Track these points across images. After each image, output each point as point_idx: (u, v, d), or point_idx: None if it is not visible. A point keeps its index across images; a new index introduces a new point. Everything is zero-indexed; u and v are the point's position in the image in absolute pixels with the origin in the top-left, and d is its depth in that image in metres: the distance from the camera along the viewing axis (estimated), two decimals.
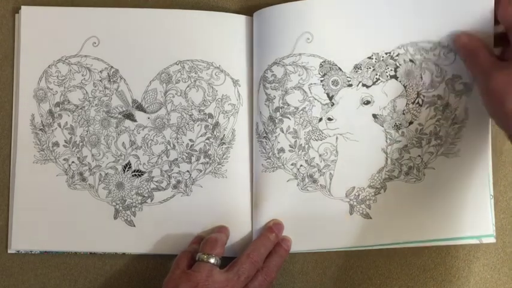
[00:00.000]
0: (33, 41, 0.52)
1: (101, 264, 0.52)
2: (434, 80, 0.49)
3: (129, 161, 0.51)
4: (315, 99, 0.50)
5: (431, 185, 0.50)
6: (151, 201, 0.51)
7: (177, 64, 0.52)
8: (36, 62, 0.52)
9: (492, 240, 0.49)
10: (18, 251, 0.52)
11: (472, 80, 0.48)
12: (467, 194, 0.50)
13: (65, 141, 0.52)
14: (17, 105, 0.52)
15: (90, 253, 0.52)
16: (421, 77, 0.49)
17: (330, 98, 0.50)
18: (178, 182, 0.51)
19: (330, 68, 0.50)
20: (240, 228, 0.51)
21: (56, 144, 0.51)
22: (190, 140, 0.52)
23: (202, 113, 0.52)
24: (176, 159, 0.51)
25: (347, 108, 0.50)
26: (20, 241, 0.51)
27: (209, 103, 0.52)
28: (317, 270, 0.53)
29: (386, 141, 0.50)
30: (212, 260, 0.45)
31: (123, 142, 0.52)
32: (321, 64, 0.50)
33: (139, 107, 0.52)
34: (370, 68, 0.50)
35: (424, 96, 0.49)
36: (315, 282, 0.52)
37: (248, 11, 0.52)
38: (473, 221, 0.49)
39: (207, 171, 0.51)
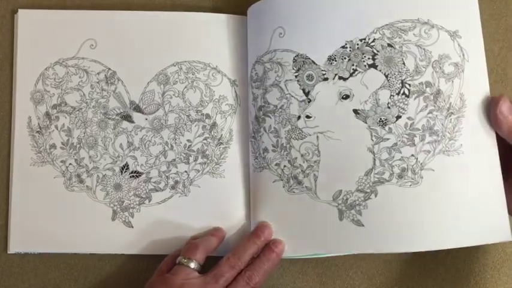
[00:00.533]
0: (30, 44, 0.53)
1: (101, 264, 0.53)
2: (419, 65, 0.44)
3: (126, 162, 0.52)
4: (292, 96, 0.47)
5: (432, 189, 0.43)
6: (149, 202, 0.51)
7: (174, 65, 0.52)
8: (33, 64, 0.52)
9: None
10: (17, 252, 0.52)
11: (462, 59, 0.44)
12: (478, 197, 0.43)
13: (62, 143, 0.52)
14: (14, 107, 0.53)
15: (90, 253, 0.52)
16: (404, 63, 0.44)
17: (306, 94, 0.46)
18: (176, 182, 0.51)
19: (303, 62, 0.46)
20: (237, 228, 0.51)
21: (53, 146, 0.52)
22: (188, 140, 0.52)
23: (199, 113, 0.52)
24: (174, 159, 0.52)
25: (325, 104, 0.46)
26: (19, 243, 0.51)
27: (206, 104, 0.52)
28: (317, 270, 0.52)
29: (372, 140, 0.44)
30: (192, 265, 0.45)
31: (121, 143, 0.52)
32: (294, 59, 0.47)
33: (137, 108, 0.52)
34: (345, 58, 0.45)
35: (409, 85, 0.44)
36: (315, 282, 0.52)
37: (244, 12, 0.52)
38: (490, 227, 0.43)
39: (205, 171, 0.51)
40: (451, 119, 0.43)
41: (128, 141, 0.52)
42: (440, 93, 0.44)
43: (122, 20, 0.53)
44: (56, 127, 0.52)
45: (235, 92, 0.52)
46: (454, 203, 0.43)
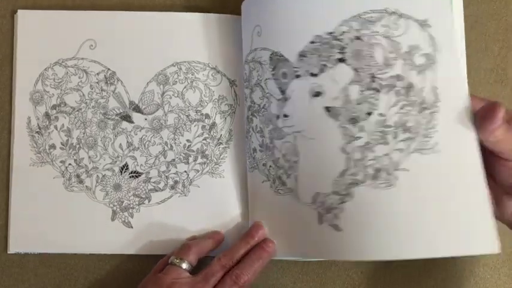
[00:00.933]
0: (30, 44, 0.53)
1: (101, 264, 0.53)
2: (388, 57, 0.41)
3: (126, 163, 0.52)
4: (271, 95, 0.45)
5: (407, 190, 0.40)
6: (148, 202, 0.51)
7: (174, 65, 0.52)
8: (32, 65, 0.52)
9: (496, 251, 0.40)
10: (17, 252, 0.52)
11: (434, 49, 0.41)
12: (459, 202, 0.40)
13: (62, 144, 0.52)
14: (13, 107, 0.53)
15: (90, 253, 0.52)
16: (372, 56, 0.41)
17: (283, 92, 0.44)
18: (176, 182, 0.51)
19: (278, 59, 0.45)
20: (236, 227, 0.51)
21: (53, 146, 0.52)
22: (188, 140, 0.52)
23: (199, 113, 0.52)
24: (173, 159, 0.52)
25: (299, 103, 0.43)
26: (18, 243, 0.51)
27: (206, 104, 0.52)
28: (317, 270, 0.52)
29: (344, 139, 0.42)
30: (184, 265, 0.45)
31: (120, 143, 0.52)
32: (270, 57, 0.45)
33: (137, 109, 0.52)
34: (314, 54, 0.43)
35: (380, 78, 0.41)
36: (315, 282, 0.52)
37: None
38: (474, 236, 0.39)
39: (205, 171, 0.52)
40: (424, 114, 0.40)
41: (128, 142, 0.52)
42: (412, 86, 0.41)
43: (122, 20, 0.53)
44: (56, 127, 0.52)
45: (234, 92, 0.52)
46: (432, 207, 0.40)
